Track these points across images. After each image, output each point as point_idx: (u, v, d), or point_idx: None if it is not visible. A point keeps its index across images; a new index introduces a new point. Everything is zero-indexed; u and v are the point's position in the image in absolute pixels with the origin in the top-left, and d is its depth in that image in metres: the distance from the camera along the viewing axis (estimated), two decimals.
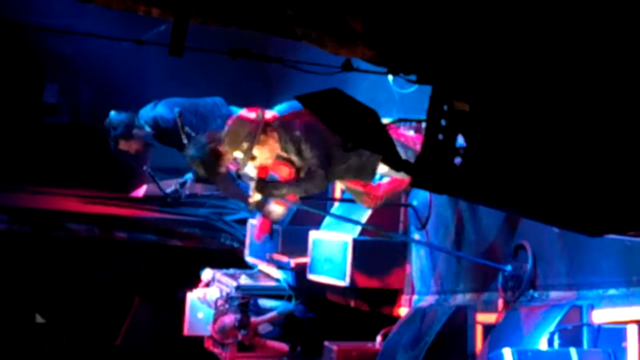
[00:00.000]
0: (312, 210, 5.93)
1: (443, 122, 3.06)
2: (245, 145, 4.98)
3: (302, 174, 5.10)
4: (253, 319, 7.46)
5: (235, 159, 5.27)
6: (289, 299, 7.62)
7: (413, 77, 3.40)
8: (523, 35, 3.01)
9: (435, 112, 3.07)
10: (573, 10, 2.92)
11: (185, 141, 6.59)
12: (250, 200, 5.15)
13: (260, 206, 5.35)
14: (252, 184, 5.10)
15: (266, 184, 5.09)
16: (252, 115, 5.11)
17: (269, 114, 5.26)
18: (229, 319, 7.33)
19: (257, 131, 4.98)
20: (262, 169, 5.15)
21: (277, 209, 5.46)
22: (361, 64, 3.59)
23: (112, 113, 6.79)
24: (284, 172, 5.24)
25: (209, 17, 3.54)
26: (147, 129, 6.70)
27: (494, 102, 3.09)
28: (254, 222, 7.58)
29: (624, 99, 2.96)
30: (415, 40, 3.24)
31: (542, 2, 2.95)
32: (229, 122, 5.11)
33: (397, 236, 6.24)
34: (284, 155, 5.11)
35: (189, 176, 7.00)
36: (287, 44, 3.84)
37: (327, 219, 6.66)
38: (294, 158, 5.09)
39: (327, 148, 5.00)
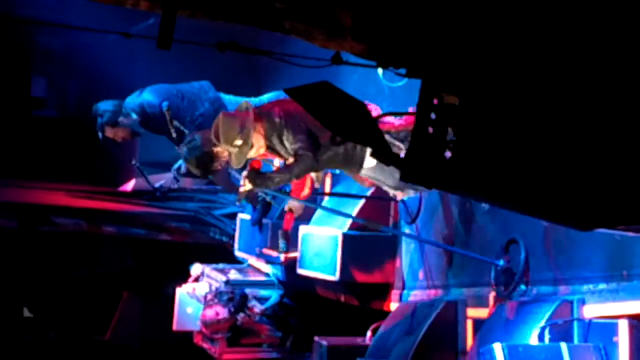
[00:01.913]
0: (313, 207, 5.94)
1: (433, 116, 3.03)
2: (238, 141, 4.97)
3: (290, 161, 5.09)
4: (250, 304, 7.45)
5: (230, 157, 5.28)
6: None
7: (403, 71, 3.37)
8: (512, 28, 2.99)
9: (425, 106, 3.05)
10: (562, 4, 2.90)
11: (174, 135, 6.56)
12: (241, 190, 5.14)
13: (251, 197, 5.34)
14: (244, 174, 5.09)
15: (258, 175, 5.08)
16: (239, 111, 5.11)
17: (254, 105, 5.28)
18: (216, 312, 7.30)
19: (251, 122, 4.98)
20: (255, 161, 5.14)
21: (296, 204, 5.60)
22: (351, 57, 3.57)
23: (100, 102, 6.76)
24: (276, 163, 5.25)
25: (198, 11, 3.51)
26: (134, 116, 6.65)
27: (484, 96, 3.07)
28: (243, 216, 7.56)
29: (614, 92, 2.95)
30: (405, 34, 3.22)
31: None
32: (218, 121, 5.09)
33: (390, 230, 6.21)
34: (271, 145, 5.11)
35: (181, 162, 6.96)
36: (277, 37, 3.81)
37: (318, 214, 6.64)
38: (279, 148, 5.09)
39: (310, 132, 4.99)
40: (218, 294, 7.61)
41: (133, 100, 6.77)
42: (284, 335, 7.47)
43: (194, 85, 6.84)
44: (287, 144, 5.01)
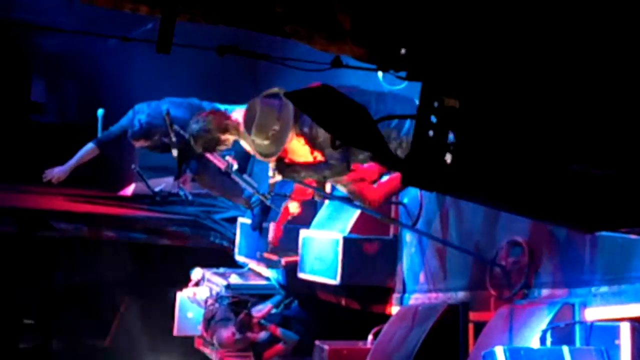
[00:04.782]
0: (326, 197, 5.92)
1: (433, 119, 3.02)
2: (276, 127, 4.89)
3: (324, 154, 5.00)
4: (255, 312, 7.41)
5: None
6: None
7: (403, 74, 3.36)
8: (513, 29, 2.98)
9: (425, 109, 3.04)
10: (564, 7, 2.89)
11: (174, 139, 6.57)
12: (271, 181, 5.11)
13: (247, 201, 5.32)
14: (272, 165, 5.04)
15: (286, 165, 5.02)
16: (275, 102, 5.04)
17: None
18: (232, 332, 7.24)
19: (287, 108, 4.92)
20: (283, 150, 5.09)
21: (294, 205, 5.60)
22: (351, 60, 3.56)
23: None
24: (302, 150, 5.15)
25: (197, 15, 3.51)
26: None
27: (485, 98, 3.06)
28: (244, 220, 7.55)
29: (617, 93, 2.94)
30: (405, 36, 3.21)
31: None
32: (253, 108, 5.00)
33: (400, 223, 6.16)
34: (302, 134, 5.04)
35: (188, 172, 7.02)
36: (276, 40, 3.81)
37: (318, 218, 6.63)
38: (310, 138, 5.02)
39: None
40: (219, 298, 7.60)
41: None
42: (301, 337, 7.40)
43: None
44: (318, 142, 4.93)
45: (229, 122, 5.30)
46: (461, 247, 5.58)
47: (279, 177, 5.02)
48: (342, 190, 5.62)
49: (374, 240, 6.21)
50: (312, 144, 4.99)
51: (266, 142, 4.93)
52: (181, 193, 7.10)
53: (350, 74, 5.25)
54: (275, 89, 5.07)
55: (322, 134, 4.89)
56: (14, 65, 8.76)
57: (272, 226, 6.13)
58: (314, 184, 5.48)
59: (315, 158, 5.05)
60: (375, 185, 5.66)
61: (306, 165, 5.04)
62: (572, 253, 4.74)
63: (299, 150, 5.06)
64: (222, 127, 5.24)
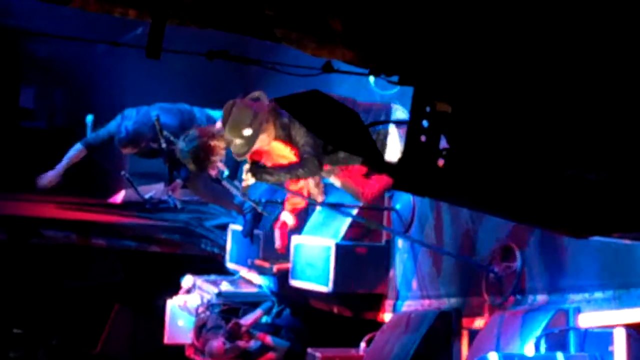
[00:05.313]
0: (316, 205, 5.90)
1: (425, 124, 3.00)
2: (249, 131, 4.94)
3: (297, 146, 5.06)
4: (243, 321, 7.36)
5: (221, 160, 5.25)
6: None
7: (395, 79, 3.34)
8: (506, 34, 2.96)
9: (417, 114, 3.02)
10: (556, 12, 2.87)
11: (163, 145, 6.54)
12: (244, 184, 5.13)
13: (246, 193, 5.34)
14: (246, 167, 5.07)
15: (259, 168, 5.06)
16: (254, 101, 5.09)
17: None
18: (222, 342, 7.20)
19: (262, 112, 4.96)
20: (256, 152, 5.12)
21: (289, 217, 5.64)
22: (342, 65, 3.54)
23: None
24: (284, 152, 5.18)
25: (187, 19, 3.48)
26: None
27: (477, 103, 3.04)
28: (234, 227, 7.51)
29: (610, 98, 2.92)
30: (396, 41, 3.19)
31: (524, 4, 2.91)
32: (228, 108, 5.05)
33: (389, 229, 6.15)
34: (280, 136, 5.09)
35: (178, 180, 7.00)
36: (267, 45, 3.78)
37: (310, 224, 6.60)
38: (288, 139, 5.07)
39: None
40: (210, 306, 7.55)
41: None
42: (292, 344, 7.37)
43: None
44: (297, 140, 4.98)
45: (214, 128, 5.34)
46: (451, 253, 5.56)
47: (252, 180, 5.05)
48: (336, 183, 5.60)
49: (366, 247, 6.19)
50: (288, 142, 5.04)
51: (239, 141, 4.98)
52: (170, 201, 7.08)
53: (342, 79, 5.24)
54: (256, 93, 5.12)
55: (299, 125, 4.91)
56: (3, 71, 8.71)
57: (277, 233, 6.11)
58: (308, 193, 5.48)
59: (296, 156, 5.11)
60: (370, 179, 5.65)
61: (279, 167, 5.09)
62: (565, 258, 4.72)
63: (281, 151, 5.10)
64: (208, 134, 5.26)
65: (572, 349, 4.39)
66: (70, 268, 9.34)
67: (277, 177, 5.08)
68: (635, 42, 2.78)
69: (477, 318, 5.29)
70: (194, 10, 3.45)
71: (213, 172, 5.58)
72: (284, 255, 6.48)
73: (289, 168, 5.08)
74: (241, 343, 7.19)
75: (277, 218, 6.14)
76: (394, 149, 5.08)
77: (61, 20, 6.37)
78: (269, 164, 5.29)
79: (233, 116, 4.98)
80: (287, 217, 5.84)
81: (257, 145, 5.06)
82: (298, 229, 6.49)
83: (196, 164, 5.48)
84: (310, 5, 3.33)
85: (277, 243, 6.10)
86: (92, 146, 7.13)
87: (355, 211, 6.17)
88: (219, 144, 5.30)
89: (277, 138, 5.08)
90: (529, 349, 4.42)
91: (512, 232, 5.05)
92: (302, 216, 6.60)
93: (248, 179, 5.07)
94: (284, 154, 5.17)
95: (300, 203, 5.70)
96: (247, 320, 7.42)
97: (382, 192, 5.80)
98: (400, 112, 5.31)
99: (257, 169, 5.05)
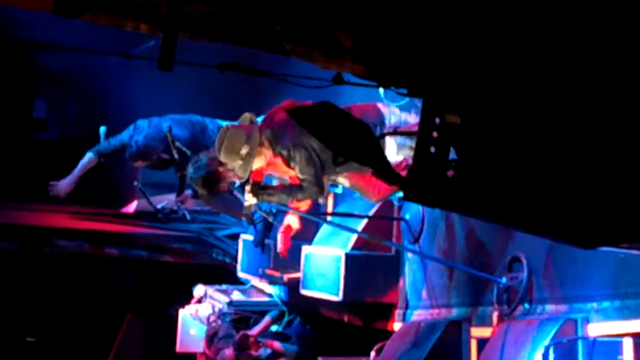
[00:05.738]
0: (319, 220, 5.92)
1: (435, 135, 3.03)
2: (244, 151, 4.98)
3: (297, 176, 5.08)
4: (250, 332, 7.38)
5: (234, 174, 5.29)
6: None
7: (404, 90, 3.37)
8: (514, 48, 2.99)
9: (426, 125, 3.05)
10: (563, 26, 2.90)
11: (175, 156, 6.58)
12: (245, 204, 5.16)
13: (249, 216, 5.37)
14: (247, 188, 5.10)
15: (260, 189, 5.10)
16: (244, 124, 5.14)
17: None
18: (229, 351, 7.22)
19: (255, 133, 5.00)
20: (257, 172, 5.16)
21: (294, 220, 5.60)
22: (352, 77, 3.57)
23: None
24: (282, 168, 5.21)
25: (198, 33, 3.52)
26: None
27: (486, 114, 3.06)
28: (246, 237, 7.55)
29: (617, 110, 2.94)
30: (405, 54, 3.22)
31: (533, 16, 2.93)
32: (222, 134, 5.10)
33: (392, 244, 6.19)
34: (277, 154, 5.12)
35: (188, 191, 7.03)
36: (277, 56, 3.82)
37: (320, 234, 6.62)
38: (285, 157, 5.10)
39: (317, 154, 4.98)
40: (221, 315, 7.58)
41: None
42: (300, 349, 7.37)
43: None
44: (296, 160, 5.00)
45: None
46: (456, 265, 5.59)
47: (253, 201, 5.09)
48: (345, 185, 5.63)
49: (376, 256, 6.21)
50: (288, 165, 5.08)
51: (238, 163, 5.03)
52: (180, 212, 7.11)
53: (352, 90, 5.27)
54: (247, 115, 5.15)
55: (299, 156, 4.95)
56: (16, 83, 8.78)
57: (279, 237, 6.13)
58: (310, 205, 5.51)
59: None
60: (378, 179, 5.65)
61: (280, 189, 5.13)
62: (574, 268, 4.73)
63: (282, 166, 5.14)
64: (217, 161, 5.29)
65: (581, 359, 4.40)
66: (82, 278, 9.37)
67: (277, 198, 5.12)
68: None
69: (486, 327, 5.30)
70: (205, 25, 3.49)
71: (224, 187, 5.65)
72: (295, 264, 6.51)
73: (290, 190, 5.11)
74: (252, 352, 7.21)
75: (282, 221, 6.16)
76: (389, 150, 5.07)
77: (74, 33, 6.42)
78: (276, 174, 5.32)
79: (226, 142, 5.01)
80: (292, 221, 5.85)
81: (256, 164, 5.07)
82: (306, 237, 6.51)
83: (205, 189, 5.58)
84: (318, 21, 3.37)
85: (280, 246, 6.13)
86: (103, 154, 7.17)
87: (364, 222, 6.19)
88: (227, 170, 5.33)
89: (276, 155, 5.10)
90: (537, 359, 4.43)
91: (521, 243, 5.06)
92: (313, 226, 6.63)
93: (249, 200, 5.10)
94: (285, 168, 5.20)
95: (305, 204, 5.71)
96: (255, 330, 7.45)
97: (391, 191, 5.79)
98: (395, 114, 5.29)
99: (259, 189, 5.08)
